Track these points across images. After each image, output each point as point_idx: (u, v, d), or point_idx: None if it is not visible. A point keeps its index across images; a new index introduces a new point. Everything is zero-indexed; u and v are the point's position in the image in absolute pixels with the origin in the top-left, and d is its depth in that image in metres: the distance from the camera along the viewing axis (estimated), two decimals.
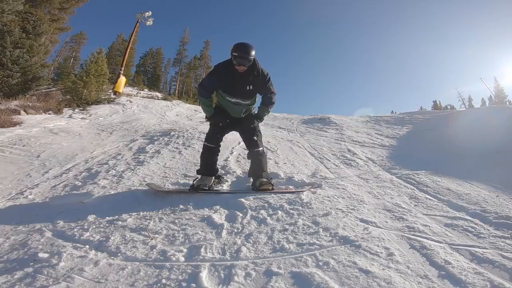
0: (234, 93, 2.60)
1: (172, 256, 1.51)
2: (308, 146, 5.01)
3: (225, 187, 2.83)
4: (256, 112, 2.91)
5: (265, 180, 2.59)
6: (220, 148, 2.82)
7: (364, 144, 5.15)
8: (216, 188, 2.70)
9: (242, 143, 4.46)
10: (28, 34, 10.69)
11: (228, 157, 3.90)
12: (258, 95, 2.79)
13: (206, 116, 2.86)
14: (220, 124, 2.74)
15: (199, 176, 2.68)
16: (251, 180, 2.74)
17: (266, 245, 1.64)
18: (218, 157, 2.83)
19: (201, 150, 2.83)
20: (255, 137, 2.73)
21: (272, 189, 2.55)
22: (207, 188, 2.56)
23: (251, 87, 2.59)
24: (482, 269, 1.43)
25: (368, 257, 1.50)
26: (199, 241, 1.69)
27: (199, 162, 2.79)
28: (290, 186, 2.78)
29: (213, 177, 2.72)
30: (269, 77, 2.64)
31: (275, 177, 3.01)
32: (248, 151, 2.83)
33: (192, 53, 49.05)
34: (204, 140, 2.81)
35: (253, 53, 2.43)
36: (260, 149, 2.73)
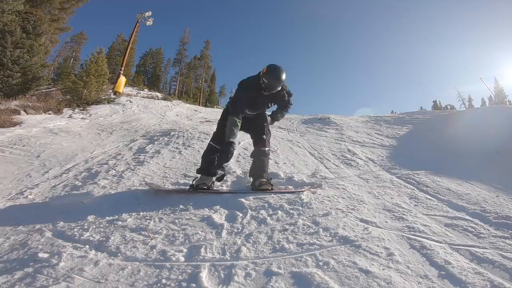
0: (255, 109, 2.72)
1: (172, 256, 1.51)
2: (308, 146, 5.01)
3: (225, 187, 2.83)
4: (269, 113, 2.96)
5: (264, 180, 2.60)
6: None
7: (364, 144, 5.15)
8: (216, 188, 2.70)
9: (242, 143, 4.48)
10: (28, 34, 10.68)
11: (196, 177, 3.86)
12: None
13: (225, 139, 2.55)
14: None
15: (199, 176, 2.67)
16: (251, 180, 2.74)
17: (266, 245, 1.64)
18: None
19: (201, 150, 2.83)
20: (264, 136, 2.76)
21: (272, 189, 2.55)
22: (206, 188, 2.56)
23: (272, 104, 2.76)
24: (482, 269, 1.43)
25: (368, 257, 1.50)
26: (199, 241, 1.69)
27: (200, 161, 2.76)
28: (290, 186, 2.78)
29: (214, 177, 2.69)
30: (290, 93, 2.79)
31: (275, 177, 3.01)
32: (253, 148, 2.83)
33: (192, 53, 49.08)
34: (210, 140, 2.76)
35: (283, 78, 2.51)
36: (267, 149, 2.76)
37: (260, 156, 2.73)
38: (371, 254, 1.53)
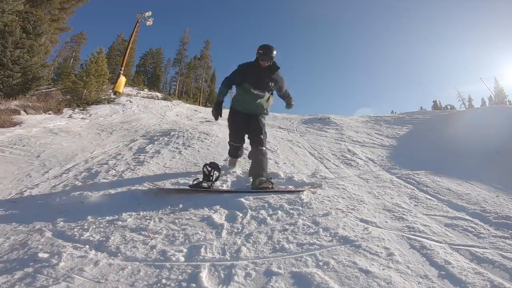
0: (258, 86, 2.97)
1: (172, 256, 1.51)
2: (308, 146, 5.01)
3: (225, 187, 2.83)
4: (269, 110, 3.21)
5: (264, 179, 2.64)
6: (243, 144, 3.25)
7: (364, 144, 5.15)
8: (215, 188, 2.70)
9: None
10: (28, 34, 10.67)
11: (228, 158, 3.89)
12: (273, 95, 3.19)
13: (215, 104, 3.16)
14: (237, 127, 3.13)
15: (199, 177, 2.73)
16: (251, 179, 2.76)
17: (266, 245, 1.64)
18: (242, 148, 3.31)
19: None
20: (261, 136, 2.96)
21: (272, 187, 2.57)
22: (207, 187, 2.57)
23: (272, 83, 3.01)
24: (482, 269, 1.43)
25: (368, 257, 1.50)
26: (199, 241, 1.69)
27: (228, 150, 3.36)
28: (290, 186, 2.78)
29: (237, 159, 3.34)
30: (284, 81, 3.14)
31: (275, 177, 3.01)
32: (250, 150, 2.99)
33: (192, 53, 49.27)
34: (228, 140, 3.26)
35: (274, 52, 2.89)
36: (264, 148, 2.92)
37: (258, 155, 2.86)
38: (371, 254, 1.53)
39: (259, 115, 3.07)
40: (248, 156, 2.97)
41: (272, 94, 3.14)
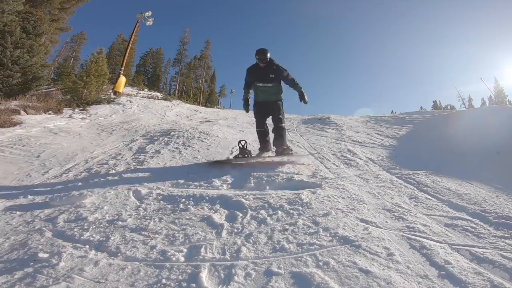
0: (261, 79, 3.74)
1: (172, 256, 1.51)
2: (308, 146, 5.01)
3: (225, 186, 2.82)
4: (282, 97, 3.88)
5: (285, 147, 3.65)
6: (268, 130, 3.88)
7: (364, 144, 5.15)
8: (249, 156, 3.56)
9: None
10: (28, 34, 10.66)
11: (228, 157, 3.90)
12: (282, 84, 3.84)
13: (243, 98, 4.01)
14: (258, 114, 3.87)
15: (237, 153, 3.74)
16: (274, 148, 3.75)
17: (266, 245, 1.64)
18: (268, 136, 3.89)
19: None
20: (280, 116, 3.75)
21: (291, 153, 3.61)
22: (246, 156, 3.55)
23: (272, 75, 3.71)
24: (482, 269, 1.43)
25: (368, 257, 1.50)
26: (199, 241, 1.69)
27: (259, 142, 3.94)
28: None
29: (269, 152, 3.84)
30: (285, 69, 3.73)
31: (276, 177, 3.01)
32: (274, 126, 3.77)
33: (192, 53, 49.25)
34: (255, 127, 3.93)
35: (268, 55, 3.65)
36: (283, 124, 3.74)
37: (279, 131, 3.71)
38: (371, 254, 1.53)
39: (276, 102, 3.77)
40: (272, 131, 3.75)
41: (279, 83, 3.79)
